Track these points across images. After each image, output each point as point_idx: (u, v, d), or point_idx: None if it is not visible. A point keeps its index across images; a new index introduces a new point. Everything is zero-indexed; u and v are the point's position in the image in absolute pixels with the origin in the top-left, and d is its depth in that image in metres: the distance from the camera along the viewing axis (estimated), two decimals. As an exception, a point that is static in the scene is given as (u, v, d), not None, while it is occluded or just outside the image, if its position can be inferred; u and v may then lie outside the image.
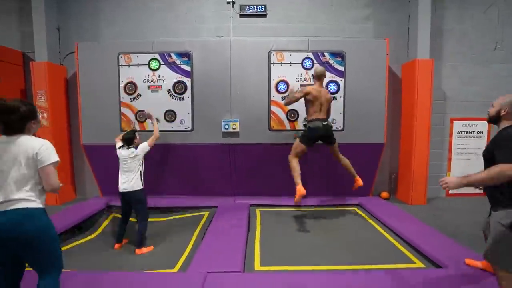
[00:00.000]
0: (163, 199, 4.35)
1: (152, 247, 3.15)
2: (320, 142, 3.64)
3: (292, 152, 3.50)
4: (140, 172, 3.17)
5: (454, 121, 4.87)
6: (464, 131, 4.90)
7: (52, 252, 1.61)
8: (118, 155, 3.20)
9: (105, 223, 3.89)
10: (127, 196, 3.13)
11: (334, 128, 4.15)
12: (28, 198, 1.54)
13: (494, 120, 1.80)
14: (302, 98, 3.53)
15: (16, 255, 1.58)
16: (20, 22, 4.82)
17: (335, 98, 4.18)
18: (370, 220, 3.74)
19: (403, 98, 4.74)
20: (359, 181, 3.33)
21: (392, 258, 2.72)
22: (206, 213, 4.02)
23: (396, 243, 3.05)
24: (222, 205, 4.14)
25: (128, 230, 3.26)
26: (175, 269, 2.61)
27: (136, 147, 3.16)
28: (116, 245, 3.18)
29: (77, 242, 3.26)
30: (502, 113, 1.73)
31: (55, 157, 1.60)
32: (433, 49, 4.55)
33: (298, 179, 3.17)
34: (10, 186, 1.51)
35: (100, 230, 3.67)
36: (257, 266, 2.58)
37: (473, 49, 4.78)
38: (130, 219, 3.31)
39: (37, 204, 1.57)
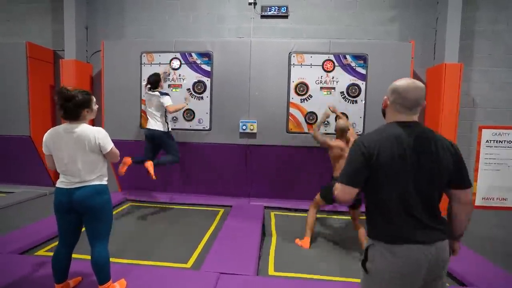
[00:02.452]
0: (179, 196, 4.42)
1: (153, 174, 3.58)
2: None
3: (313, 203, 3.32)
4: (164, 116, 3.69)
5: (483, 129, 4.60)
6: (494, 140, 4.61)
7: (108, 222, 1.93)
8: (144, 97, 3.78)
9: (120, 208, 4.03)
10: (152, 135, 3.61)
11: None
12: (96, 177, 1.88)
13: None
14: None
15: (80, 224, 1.89)
16: (52, 20, 5.08)
17: (356, 101, 4.08)
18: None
19: (427, 103, 4.53)
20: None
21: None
22: (222, 210, 4.06)
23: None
24: (237, 205, 4.14)
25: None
26: (188, 265, 2.63)
27: (160, 93, 3.63)
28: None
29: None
30: None
31: (111, 142, 1.93)
32: (462, 52, 4.32)
33: (308, 233, 3.09)
34: (82, 169, 1.81)
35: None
36: (271, 271, 2.55)
37: (508, 52, 4.51)
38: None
39: (102, 181, 1.92)
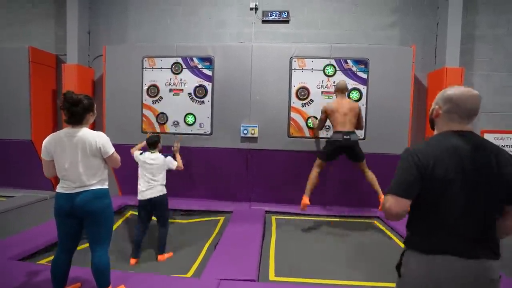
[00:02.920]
0: (179, 202, 4.39)
1: (171, 253, 3.07)
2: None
3: (315, 165, 3.44)
4: (164, 180, 3.16)
5: (484, 134, 4.59)
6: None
7: (109, 226, 1.93)
8: (139, 160, 3.13)
9: (121, 220, 3.98)
10: (151, 203, 2.99)
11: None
12: (97, 182, 1.87)
13: None
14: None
15: (80, 229, 1.88)
16: (55, 25, 5.12)
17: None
18: (390, 234, 3.57)
19: (429, 108, 4.52)
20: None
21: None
22: (222, 218, 4.01)
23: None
24: (238, 210, 4.11)
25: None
26: (189, 275, 2.60)
27: (161, 153, 3.14)
28: (133, 260, 2.87)
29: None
30: None
31: (112, 147, 1.94)
32: (463, 57, 4.33)
33: (307, 191, 3.14)
34: (83, 174, 1.81)
35: (114, 227, 3.74)
36: (272, 276, 2.52)
37: (508, 57, 4.51)
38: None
39: (103, 186, 1.91)
